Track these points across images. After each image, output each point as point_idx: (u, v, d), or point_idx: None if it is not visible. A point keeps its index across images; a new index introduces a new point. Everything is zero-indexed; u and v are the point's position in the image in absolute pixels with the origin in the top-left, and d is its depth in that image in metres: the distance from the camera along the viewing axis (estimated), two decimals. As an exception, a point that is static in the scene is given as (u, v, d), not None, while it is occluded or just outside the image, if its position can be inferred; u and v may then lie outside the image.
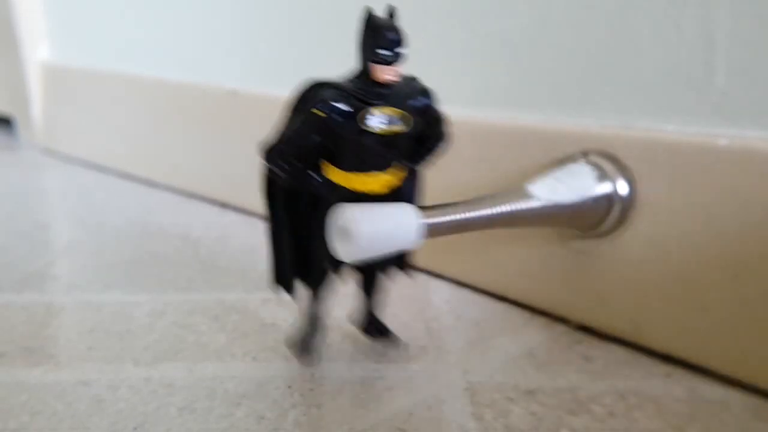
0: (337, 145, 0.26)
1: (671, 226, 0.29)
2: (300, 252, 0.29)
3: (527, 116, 0.34)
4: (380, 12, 0.27)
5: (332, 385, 0.28)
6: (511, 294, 0.36)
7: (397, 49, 0.26)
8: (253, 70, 0.51)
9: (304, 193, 0.27)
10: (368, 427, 0.25)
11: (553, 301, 0.34)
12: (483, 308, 0.36)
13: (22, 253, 0.44)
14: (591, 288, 0.32)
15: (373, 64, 0.25)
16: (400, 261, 0.30)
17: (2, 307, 0.36)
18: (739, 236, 0.27)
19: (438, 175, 0.38)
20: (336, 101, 0.25)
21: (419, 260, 0.41)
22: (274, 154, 0.27)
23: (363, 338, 0.32)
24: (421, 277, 0.40)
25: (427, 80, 0.40)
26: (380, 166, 0.26)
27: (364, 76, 0.26)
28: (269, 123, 0.50)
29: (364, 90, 0.25)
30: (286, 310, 0.35)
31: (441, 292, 0.38)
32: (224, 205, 0.56)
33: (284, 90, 0.49)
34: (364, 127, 0.25)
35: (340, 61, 0.44)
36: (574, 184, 0.29)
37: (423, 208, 0.25)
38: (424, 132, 0.28)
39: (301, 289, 0.29)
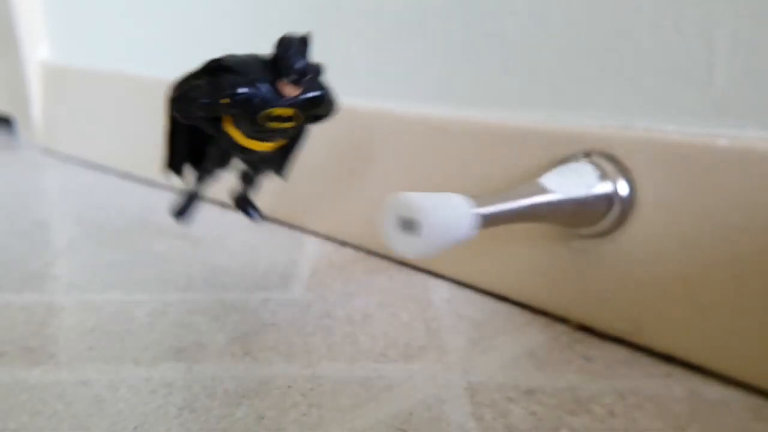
0: (239, 120, 0.33)
1: (671, 226, 0.29)
2: (194, 147, 0.38)
3: (527, 116, 0.34)
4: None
5: (332, 384, 0.28)
6: (512, 294, 0.36)
7: (303, 75, 0.31)
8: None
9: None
10: (368, 427, 0.25)
11: (553, 301, 0.34)
12: (483, 308, 0.36)
13: (22, 252, 0.44)
14: (591, 288, 0.32)
15: (281, 79, 0.31)
16: (278, 167, 0.39)
17: (2, 306, 0.36)
18: (740, 236, 0.27)
19: (438, 175, 0.38)
20: (249, 97, 0.31)
21: (419, 260, 0.41)
22: (184, 103, 0.35)
23: (363, 338, 0.32)
24: (421, 277, 0.40)
25: (427, 80, 0.40)
26: (272, 140, 0.34)
27: (273, 84, 0.31)
28: (269, 123, 0.50)
29: (270, 93, 0.31)
30: (287, 310, 0.35)
31: (441, 291, 0.38)
32: (224, 205, 0.56)
33: (284, 90, 0.49)
34: (261, 122, 0.32)
35: (339, 61, 0.44)
36: (578, 181, 0.29)
37: (473, 198, 0.23)
38: (314, 114, 0.35)
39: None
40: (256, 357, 0.30)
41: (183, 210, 0.42)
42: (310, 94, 0.33)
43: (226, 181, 0.55)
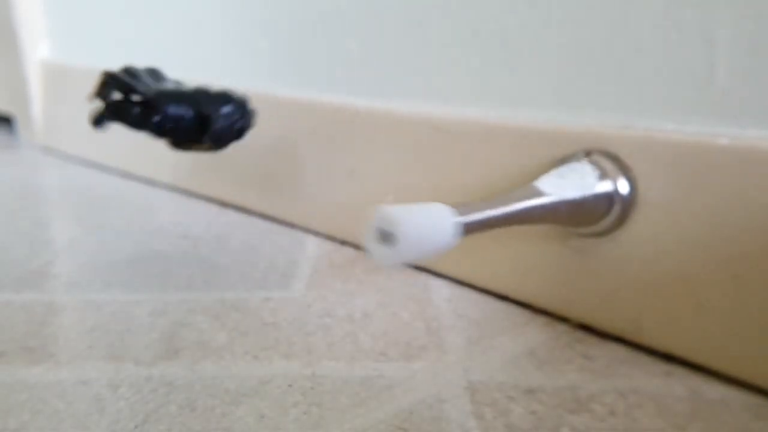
0: None
1: (672, 226, 0.29)
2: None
3: (527, 116, 0.34)
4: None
5: (332, 383, 0.28)
6: (512, 293, 0.36)
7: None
8: (253, 70, 0.51)
9: None
10: (368, 426, 0.25)
11: (553, 300, 0.34)
12: (483, 307, 0.36)
13: (22, 252, 0.44)
14: (592, 287, 0.32)
15: None
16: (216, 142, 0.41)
17: (2, 305, 0.36)
18: (740, 236, 0.27)
19: (438, 175, 0.38)
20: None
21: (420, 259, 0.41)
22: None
23: (363, 337, 0.32)
24: (422, 277, 0.40)
25: (426, 79, 0.40)
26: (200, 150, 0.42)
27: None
28: (268, 122, 0.50)
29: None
30: (287, 309, 0.35)
31: (441, 291, 0.38)
32: (224, 204, 0.56)
33: (284, 89, 0.49)
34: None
35: (339, 61, 0.44)
36: (577, 182, 0.29)
37: (452, 207, 0.24)
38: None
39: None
40: (256, 356, 0.30)
41: (99, 119, 0.41)
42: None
43: (226, 180, 0.55)
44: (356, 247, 0.45)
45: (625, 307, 0.31)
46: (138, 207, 0.55)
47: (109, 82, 0.41)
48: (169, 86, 0.42)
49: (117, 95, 0.41)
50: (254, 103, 0.50)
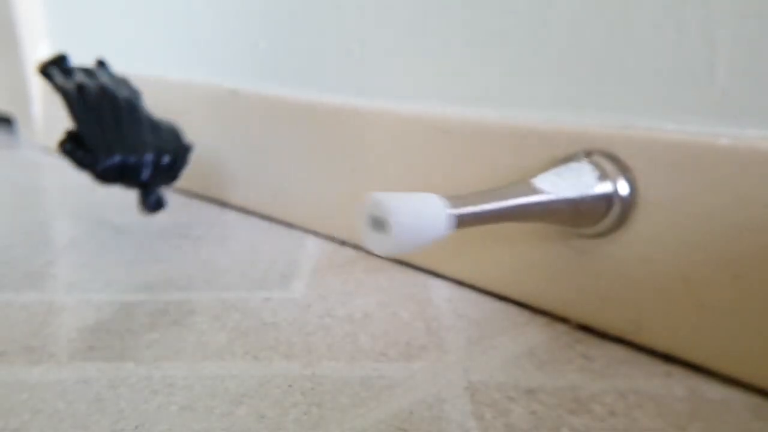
0: None
1: (672, 226, 0.29)
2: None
3: (527, 116, 0.34)
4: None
5: (333, 384, 0.28)
6: (512, 293, 0.36)
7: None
8: (253, 70, 0.51)
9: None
10: (368, 426, 0.25)
11: (553, 300, 0.34)
12: (483, 307, 0.36)
13: (23, 251, 0.44)
14: (592, 287, 0.32)
15: None
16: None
17: (3, 305, 0.36)
18: (740, 236, 0.27)
19: (438, 175, 0.38)
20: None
21: (419, 258, 0.41)
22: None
23: (363, 337, 0.32)
24: (422, 277, 0.40)
25: (426, 79, 0.40)
26: None
27: None
28: (269, 122, 0.50)
29: None
30: (287, 309, 0.35)
31: (441, 291, 0.38)
32: (224, 205, 0.56)
33: (284, 89, 0.49)
34: None
35: (339, 60, 0.44)
36: (574, 181, 0.29)
37: (446, 198, 0.24)
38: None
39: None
40: (256, 356, 0.30)
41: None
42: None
43: (226, 180, 0.55)
44: (356, 247, 0.45)
45: (625, 307, 0.31)
46: (138, 207, 0.55)
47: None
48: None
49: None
50: (254, 103, 0.50)
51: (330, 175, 0.45)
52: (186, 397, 0.27)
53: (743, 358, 0.28)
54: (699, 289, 0.28)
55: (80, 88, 0.45)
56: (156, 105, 0.61)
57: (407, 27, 0.40)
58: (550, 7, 0.33)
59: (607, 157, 0.30)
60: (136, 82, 0.63)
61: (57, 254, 0.44)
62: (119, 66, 0.66)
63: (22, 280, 0.39)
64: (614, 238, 0.31)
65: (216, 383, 0.28)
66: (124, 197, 0.58)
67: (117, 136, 0.44)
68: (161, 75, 0.60)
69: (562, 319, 0.34)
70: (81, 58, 0.72)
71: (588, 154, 0.31)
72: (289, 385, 0.28)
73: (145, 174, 0.45)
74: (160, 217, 0.52)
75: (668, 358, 0.30)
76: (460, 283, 0.39)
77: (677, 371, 0.29)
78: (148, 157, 0.45)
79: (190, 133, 0.57)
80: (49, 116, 0.77)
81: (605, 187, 0.29)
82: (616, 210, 0.30)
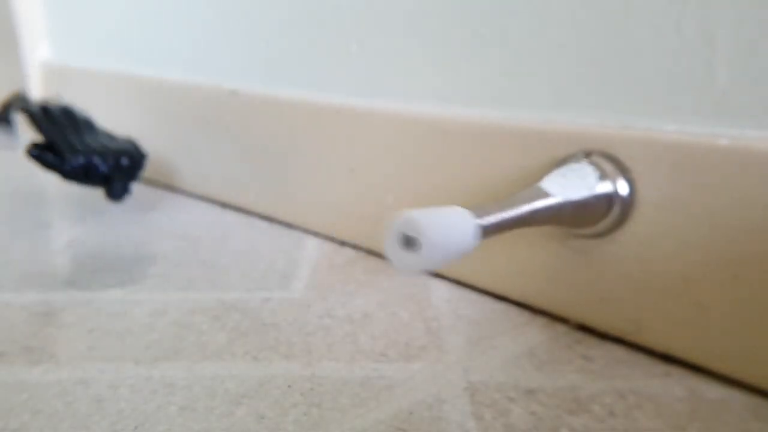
0: None
1: (671, 226, 0.29)
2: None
3: (527, 116, 0.34)
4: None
5: (332, 384, 0.28)
6: (512, 294, 0.36)
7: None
8: (254, 70, 0.51)
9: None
10: (368, 427, 0.25)
11: (553, 300, 0.34)
12: (483, 308, 0.36)
13: (23, 252, 0.44)
14: (591, 288, 0.32)
15: None
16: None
17: (2, 306, 0.36)
18: (740, 236, 0.27)
19: (438, 175, 0.38)
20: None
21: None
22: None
23: (363, 337, 0.32)
24: (421, 277, 0.40)
25: (427, 80, 0.40)
26: None
27: None
28: (269, 122, 0.50)
29: None
30: (287, 309, 0.35)
31: (441, 291, 0.38)
32: (224, 205, 0.56)
33: (284, 89, 0.49)
34: None
35: (339, 60, 0.44)
36: (578, 182, 0.29)
37: (471, 210, 0.24)
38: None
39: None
40: (256, 356, 0.30)
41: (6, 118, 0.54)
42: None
43: (226, 181, 0.55)
44: (356, 247, 0.45)
45: (625, 307, 0.31)
46: (138, 207, 0.55)
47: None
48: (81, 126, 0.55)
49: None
50: (255, 103, 0.50)
51: (330, 175, 0.45)
52: (185, 397, 0.27)
53: (743, 358, 0.28)
54: (699, 289, 0.28)
55: (44, 108, 0.54)
56: (156, 105, 0.61)
57: (407, 27, 0.40)
58: (549, 7, 0.33)
59: (607, 158, 0.30)
60: (135, 83, 0.63)
61: (56, 254, 0.44)
62: (119, 66, 0.66)
63: (22, 280, 0.39)
64: (614, 239, 0.31)
65: (215, 383, 0.28)
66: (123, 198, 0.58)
67: (79, 142, 0.52)
68: (161, 75, 0.60)
69: (562, 320, 0.34)
70: (81, 58, 0.72)
71: (587, 155, 0.31)
72: (289, 386, 0.28)
73: (105, 168, 0.52)
74: (160, 217, 0.52)
75: (668, 359, 0.30)
76: (460, 283, 0.39)
77: (677, 371, 0.29)
78: (109, 157, 0.52)
79: (190, 132, 0.57)
80: (49, 116, 0.77)
81: (605, 188, 0.29)
82: (615, 210, 0.30)
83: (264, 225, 0.50)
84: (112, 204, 0.55)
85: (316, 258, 0.43)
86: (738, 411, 0.26)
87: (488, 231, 0.24)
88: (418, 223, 0.21)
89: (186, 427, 0.25)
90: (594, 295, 0.32)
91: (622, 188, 0.29)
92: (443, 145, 0.38)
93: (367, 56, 0.43)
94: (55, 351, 0.31)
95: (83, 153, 0.51)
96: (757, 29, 0.26)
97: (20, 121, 0.65)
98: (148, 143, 0.63)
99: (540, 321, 0.34)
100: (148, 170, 0.64)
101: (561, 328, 0.33)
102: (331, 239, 0.47)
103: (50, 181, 0.65)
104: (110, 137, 0.56)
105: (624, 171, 0.29)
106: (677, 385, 0.28)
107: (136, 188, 0.61)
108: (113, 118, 0.67)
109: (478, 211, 0.24)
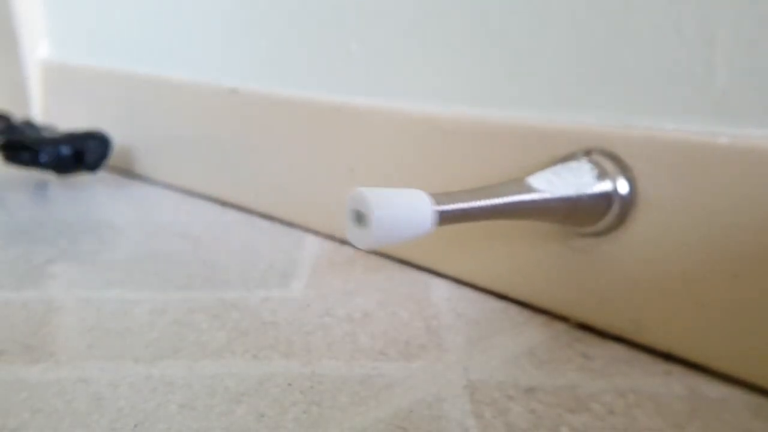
0: None
1: (671, 225, 0.29)
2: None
3: (528, 115, 0.34)
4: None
5: (332, 383, 0.28)
6: (511, 292, 0.36)
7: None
8: (254, 69, 0.51)
9: None
10: (368, 425, 0.25)
11: (553, 299, 0.34)
12: (483, 306, 0.36)
13: (22, 250, 0.44)
14: (591, 286, 0.32)
15: None
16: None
17: (2, 304, 0.36)
18: (740, 235, 0.27)
19: (438, 175, 0.38)
20: None
21: (419, 257, 0.41)
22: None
23: (363, 336, 0.32)
24: (421, 276, 0.40)
25: (426, 79, 0.40)
26: None
27: None
28: (269, 121, 0.50)
29: None
30: (287, 308, 0.35)
31: (441, 290, 0.38)
32: (224, 204, 0.56)
33: (284, 88, 0.49)
34: None
35: (339, 60, 0.44)
36: (572, 180, 0.29)
37: (432, 195, 0.24)
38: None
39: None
40: (256, 355, 0.30)
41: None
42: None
43: (225, 179, 0.55)
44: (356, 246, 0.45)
45: (625, 306, 0.31)
46: (137, 206, 0.55)
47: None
48: (44, 133, 0.62)
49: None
50: (255, 102, 0.50)
51: (330, 175, 0.45)
52: (185, 395, 0.27)
53: (743, 358, 0.28)
54: (699, 289, 0.28)
55: (3, 116, 0.65)
56: (156, 104, 0.61)
57: (407, 27, 0.40)
58: (550, 7, 0.33)
59: (607, 156, 0.30)
60: (135, 81, 0.63)
61: (56, 253, 0.44)
62: (119, 64, 0.66)
63: (22, 278, 0.39)
64: (614, 238, 0.31)
65: (215, 382, 0.28)
66: (123, 197, 0.58)
67: (44, 139, 0.60)
68: (161, 74, 0.60)
69: (562, 318, 0.34)
70: (81, 56, 0.72)
71: (587, 153, 0.31)
72: (289, 384, 0.28)
73: (71, 151, 0.60)
74: (160, 216, 0.52)
75: (668, 357, 0.30)
76: (460, 282, 0.39)
77: (677, 370, 0.29)
78: (90, 143, 0.60)
79: (190, 131, 0.57)
80: (49, 116, 0.77)
81: (605, 186, 0.29)
82: (615, 209, 0.30)
83: (264, 224, 0.50)
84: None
85: (315, 257, 0.43)
86: (738, 410, 0.26)
87: (447, 218, 0.24)
88: (367, 199, 0.21)
89: (186, 425, 0.25)
90: (594, 294, 0.32)
91: (622, 187, 0.29)
92: (443, 144, 0.38)
93: (367, 56, 0.43)
94: (55, 349, 0.31)
95: (50, 147, 0.59)
96: (757, 28, 0.26)
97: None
98: (146, 141, 0.63)
99: (540, 320, 0.34)
100: (146, 168, 0.64)
101: (561, 327, 0.33)
102: (331, 238, 0.47)
103: (49, 180, 0.65)
104: (71, 133, 0.62)
105: (624, 170, 0.29)
106: (677, 383, 0.28)
107: (134, 186, 0.61)
108: (113, 116, 0.67)
109: (443, 197, 0.24)
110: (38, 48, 0.76)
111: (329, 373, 0.29)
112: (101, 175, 0.66)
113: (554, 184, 0.28)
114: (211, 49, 0.55)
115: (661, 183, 0.29)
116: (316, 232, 0.48)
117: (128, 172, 0.66)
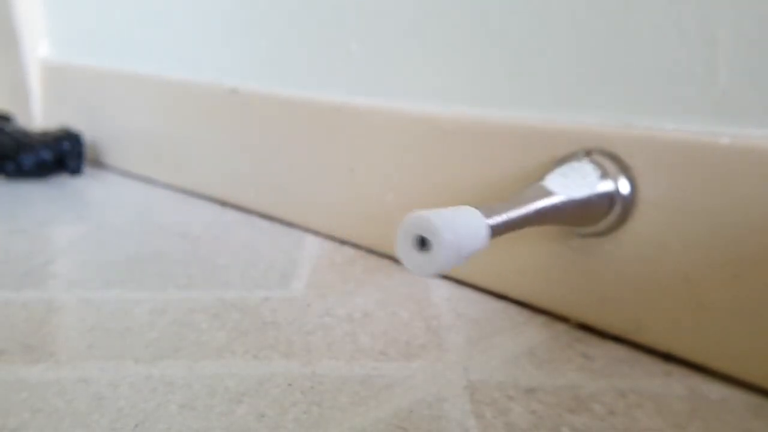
0: None
1: (672, 225, 0.29)
2: None
3: (528, 115, 0.34)
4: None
5: (332, 383, 0.28)
6: (512, 292, 0.36)
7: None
8: (254, 69, 0.51)
9: None
10: (368, 425, 0.25)
11: (553, 299, 0.34)
12: (483, 307, 0.36)
13: (22, 250, 0.44)
14: (591, 287, 0.32)
15: None
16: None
17: (2, 304, 0.36)
18: (740, 235, 0.27)
19: (438, 175, 0.38)
20: None
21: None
22: None
23: (363, 336, 0.32)
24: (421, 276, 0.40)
25: (426, 79, 0.40)
26: None
27: None
28: (269, 121, 0.50)
29: None
30: (287, 308, 0.35)
31: (441, 290, 0.38)
32: (224, 204, 0.56)
33: (284, 88, 0.49)
34: None
35: (339, 60, 0.44)
36: (580, 181, 0.29)
37: (480, 209, 0.24)
38: None
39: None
40: (256, 355, 0.30)
41: None
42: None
43: (225, 179, 0.55)
44: (356, 246, 0.45)
45: (625, 307, 0.31)
46: (138, 206, 0.55)
47: None
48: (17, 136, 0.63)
49: None
50: (254, 102, 0.50)
51: (330, 175, 0.45)
52: (185, 395, 0.27)
53: (743, 358, 0.28)
54: (699, 289, 0.28)
55: None
56: (156, 104, 0.61)
57: (407, 26, 0.40)
58: (550, 7, 0.33)
59: (608, 156, 0.30)
60: (135, 81, 0.63)
61: (56, 253, 0.44)
62: (119, 64, 0.66)
63: (22, 278, 0.39)
64: (614, 238, 0.31)
65: (215, 382, 0.28)
66: (122, 195, 0.58)
67: (21, 145, 0.62)
68: (161, 74, 0.60)
69: (562, 319, 0.34)
70: (81, 56, 0.72)
71: (588, 153, 0.31)
72: (289, 384, 0.28)
73: (52, 155, 0.63)
74: (160, 216, 0.52)
75: (668, 358, 0.30)
76: (460, 282, 0.39)
77: (677, 371, 0.29)
78: (53, 144, 0.62)
79: (190, 131, 0.57)
80: (49, 116, 0.77)
81: (606, 186, 0.29)
82: (617, 209, 0.30)
83: (264, 224, 0.50)
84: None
85: (316, 257, 0.43)
86: (738, 410, 0.26)
87: (497, 230, 0.24)
88: (431, 224, 0.21)
89: (186, 425, 0.25)
90: (594, 294, 0.32)
91: (623, 187, 0.29)
92: (443, 144, 0.38)
93: (367, 56, 0.43)
94: (56, 349, 0.31)
95: (30, 152, 0.62)
96: (757, 28, 0.26)
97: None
98: (147, 141, 0.63)
99: (540, 320, 0.34)
100: (146, 168, 0.64)
101: (561, 327, 0.33)
102: (331, 238, 0.47)
103: (49, 180, 0.65)
104: (44, 133, 0.64)
105: (625, 170, 0.29)
106: (678, 384, 0.28)
107: (134, 186, 0.61)
108: (113, 116, 0.67)
109: (487, 210, 0.24)
110: (38, 48, 0.76)
111: (329, 373, 0.29)
112: (99, 175, 0.66)
113: (567, 186, 0.28)
114: (211, 49, 0.55)
115: (662, 183, 0.29)
116: (316, 232, 0.48)
117: (126, 172, 0.66)
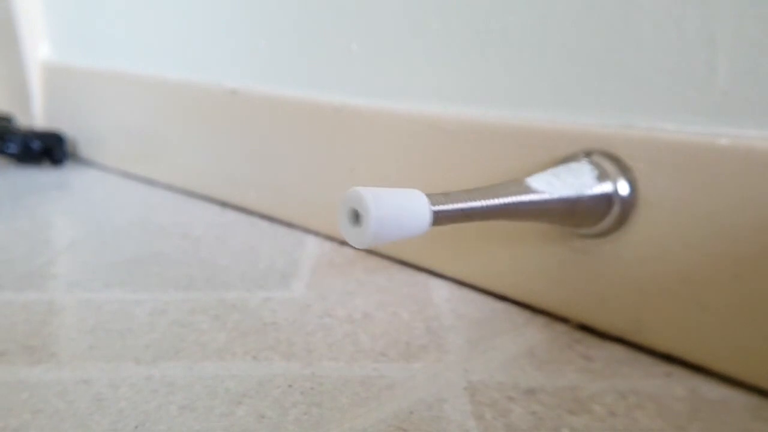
0: None
1: (672, 226, 0.29)
2: None
3: (528, 115, 0.34)
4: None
5: (332, 383, 0.28)
6: (512, 293, 0.36)
7: None
8: (253, 70, 0.51)
9: None
10: (368, 426, 0.25)
11: (553, 300, 0.34)
12: (483, 307, 0.36)
13: (23, 251, 0.44)
14: (591, 287, 0.32)
15: None
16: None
17: (3, 305, 0.36)
18: (740, 236, 0.27)
19: (438, 175, 0.38)
20: None
21: (420, 258, 0.41)
22: None
23: (363, 337, 0.32)
24: (422, 276, 0.40)
25: (427, 79, 0.40)
26: None
27: None
28: (269, 122, 0.50)
29: None
30: (287, 309, 0.35)
31: (441, 291, 0.38)
32: (224, 204, 0.56)
33: (284, 89, 0.49)
34: None
35: (339, 60, 0.44)
36: (571, 181, 0.29)
37: (429, 195, 0.24)
38: None
39: None
40: (256, 356, 0.30)
41: None
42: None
43: (226, 180, 0.55)
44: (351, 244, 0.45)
45: (625, 307, 0.31)
46: (138, 206, 0.55)
47: None
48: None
49: None
50: (254, 103, 0.50)
51: (330, 175, 0.45)
52: (186, 396, 0.27)
53: (743, 358, 0.28)
54: (699, 289, 0.28)
55: None
56: (156, 104, 0.61)
57: (407, 26, 0.40)
58: (550, 6, 0.33)
59: (607, 157, 0.30)
60: (136, 82, 0.63)
61: (57, 254, 0.44)
62: (119, 65, 0.66)
63: (23, 279, 0.39)
64: (614, 238, 0.31)
65: (216, 383, 0.28)
66: (123, 196, 0.58)
67: (12, 131, 0.69)
68: (161, 75, 0.60)
69: (562, 319, 0.34)
70: (81, 57, 0.72)
71: (588, 154, 0.31)
72: (289, 385, 0.28)
73: (40, 146, 0.70)
74: (160, 216, 0.52)
75: (668, 358, 0.30)
76: (460, 283, 0.39)
77: (677, 371, 0.29)
78: (53, 140, 0.70)
79: (190, 132, 0.57)
80: (49, 116, 0.77)
81: (605, 187, 0.29)
82: (616, 210, 0.30)
83: (264, 224, 0.50)
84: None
85: (316, 257, 0.43)
86: (738, 411, 0.26)
87: (444, 218, 0.24)
88: (363, 199, 0.22)
89: (186, 426, 0.25)
90: (594, 295, 0.32)
91: (623, 188, 0.29)
92: (443, 145, 0.38)
93: (367, 56, 0.43)
94: (56, 350, 0.31)
95: (20, 139, 0.69)
96: (758, 29, 0.26)
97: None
98: (147, 142, 0.63)
99: (540, 321, 0.34)
100: (147, 169, 0.64)
101: (561, 328, 0.33)
102: (331, 239, 0.47)
103: (49, 180, 0.65)
104: (32, 131, 0.71)
105: (625, 170, 0.29)
106: (678, 384, 0.28)
107: (134, 186, 0.61)
108: (113, 117, 0.67)
109: (438, 197, 0.24)
110: (39, 49, 0.76)
111: (330, 373, 0.29)
112: (96, 172, 0.66)
113: (553, 185, 0.28)
114: (211, 50, 0.55)
115: (662, 184, 0.29)
116: (316, 233, 0.48)
117: (126, 173, 0.66)
